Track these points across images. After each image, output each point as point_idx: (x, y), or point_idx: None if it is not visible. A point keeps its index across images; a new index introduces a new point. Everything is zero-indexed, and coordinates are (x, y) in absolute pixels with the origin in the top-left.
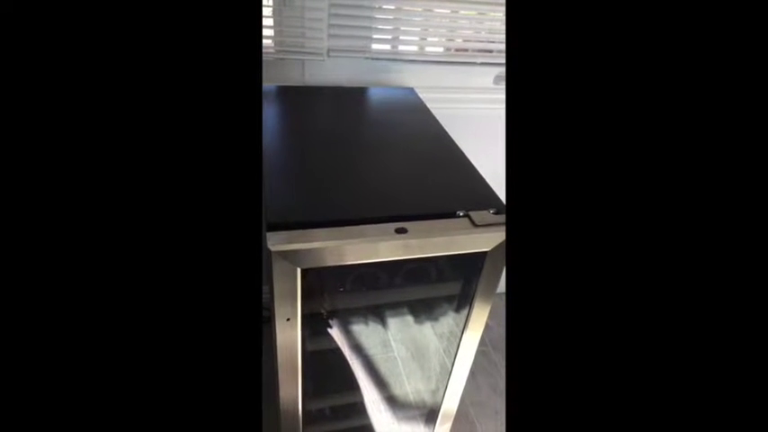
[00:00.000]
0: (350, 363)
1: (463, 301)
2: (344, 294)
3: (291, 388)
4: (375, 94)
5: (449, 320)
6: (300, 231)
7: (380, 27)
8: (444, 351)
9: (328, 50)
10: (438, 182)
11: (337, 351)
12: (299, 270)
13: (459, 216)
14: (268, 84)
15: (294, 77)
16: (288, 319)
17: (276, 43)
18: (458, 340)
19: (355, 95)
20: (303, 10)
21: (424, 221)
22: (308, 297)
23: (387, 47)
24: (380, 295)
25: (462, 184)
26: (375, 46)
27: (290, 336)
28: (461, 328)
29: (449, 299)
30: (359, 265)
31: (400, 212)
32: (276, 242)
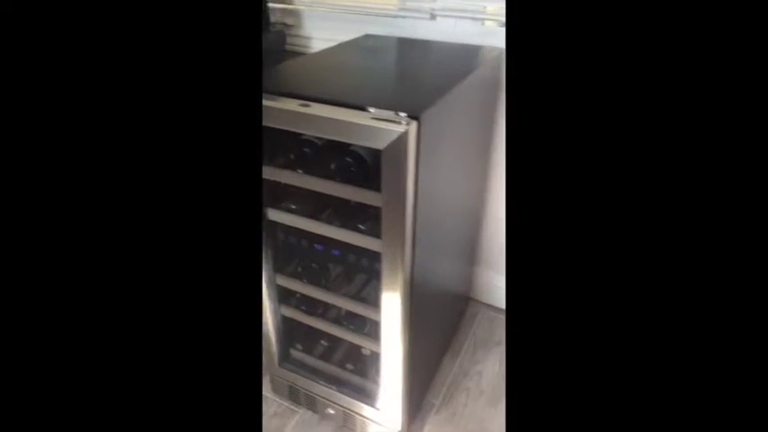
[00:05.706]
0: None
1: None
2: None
3: None
4: (469, 50)
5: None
6: None
7: None
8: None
9: (435, 10)
10: (397, 90)
11: (293, 230)
12: None
13: (366, 110)
14: (388, 35)
15: (410, 32)
16: None
17: (399, 1)
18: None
19: (448, 49)
20: None
21: (334, 107)
22: None
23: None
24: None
25: (414, 95)
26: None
27: None
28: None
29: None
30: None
31: (319, 95)
32: None
